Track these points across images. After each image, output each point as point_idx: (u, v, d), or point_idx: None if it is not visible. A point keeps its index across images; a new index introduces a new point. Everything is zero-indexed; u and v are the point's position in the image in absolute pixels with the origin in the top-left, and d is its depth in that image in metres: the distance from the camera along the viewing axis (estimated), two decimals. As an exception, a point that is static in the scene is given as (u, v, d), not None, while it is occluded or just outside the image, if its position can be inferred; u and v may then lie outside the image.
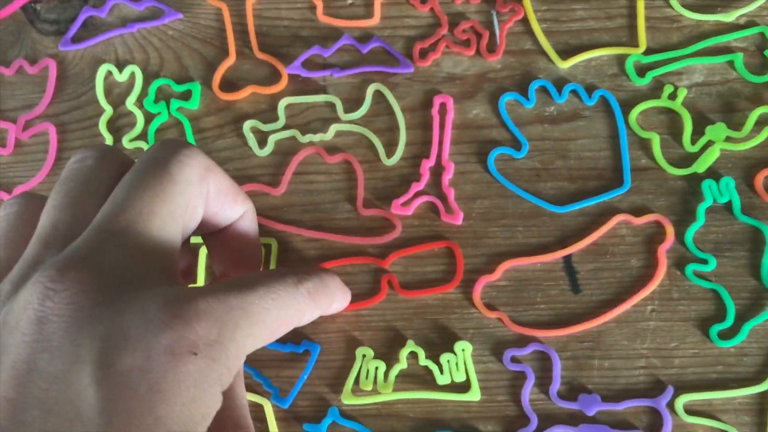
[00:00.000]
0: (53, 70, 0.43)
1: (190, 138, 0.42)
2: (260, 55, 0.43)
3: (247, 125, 0.42)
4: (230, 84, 0.43)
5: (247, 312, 0.25)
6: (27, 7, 0.45)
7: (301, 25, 0.43)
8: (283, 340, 0.39)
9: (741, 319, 0.38)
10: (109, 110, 0.43)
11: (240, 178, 0.41)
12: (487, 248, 0.40)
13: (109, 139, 0.42)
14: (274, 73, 0.43)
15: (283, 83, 0.42)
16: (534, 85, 0.41)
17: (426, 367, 0.38)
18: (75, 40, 0.44)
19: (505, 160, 0.41)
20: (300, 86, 0.42)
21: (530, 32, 0.42)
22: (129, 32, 0.44)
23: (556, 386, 0.38)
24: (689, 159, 0.40)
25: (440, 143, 0.41)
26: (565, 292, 0.39)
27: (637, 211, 0.39)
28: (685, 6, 0.42)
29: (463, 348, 0.38)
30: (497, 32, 0.42)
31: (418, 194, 0.40)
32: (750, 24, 0.41)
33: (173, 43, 0.44)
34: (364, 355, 0.38)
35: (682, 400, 0.37)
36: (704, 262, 0.38)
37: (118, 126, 0.43)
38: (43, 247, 0.25)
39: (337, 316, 0.39)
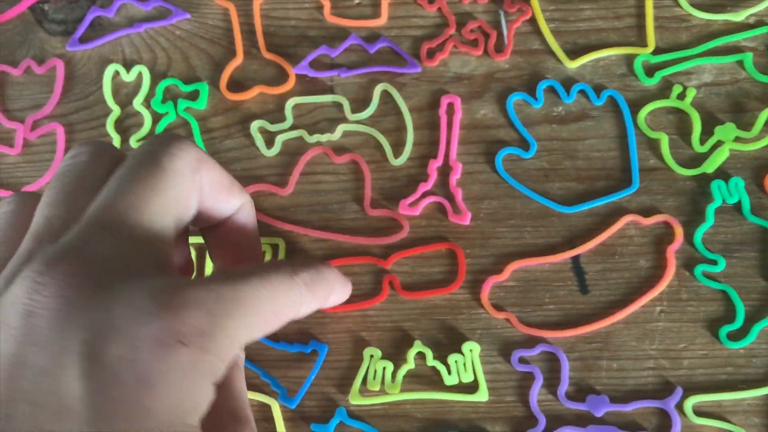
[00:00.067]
0: (61, 70, 0.43)
1: (198, 138, 0.42)
2: (267, 55, 0.43)
3: (255, 125, 0.42)
4: (238, 84, 0.43)
5: (239, 302, 0.25)
6: (35, 7, 0.45)
7: (308, 25, 0.43)
8: (290, 341, 0.39)
9: (750, 320, 0.38)
10: (116, 110, 0.43)
11: (247, 178, 0.41)
12: (495, 249, 0.39)
13: (116, 140, 0.42)
14: (282, 73, 0.43)
15: (291, 83, 0.42)
16: (542, 85, 0.41)
17: (434, 368, 0.38)
18: (82, 40, 0.44)
19: (513, 161, 0.41)
20: (307, 86, 0.42)
21: (538, 32, 0.42)
22: (136, 32, 0.44)
23: (564, 387, 0.37)
24: (698, 159, 0.40)
25: (448, 143, 0.41)
26: (574, 293, 0.39)
27: (646, 212, 0.39)
28: (694, 5, 0.42)
29: (471, 348, 0.38)
30: (505, 32, 0.42)
31: (425, 194, 0.40)
32: (759, 23, 0.41)
33: (181, 43, 0.44)
34: (371, 356, 0.38)
35: (691, 402, 0.37)
36: (713, 262, 0.38)
37: (125, 126, 0.43)
38: (37, 242, 0.25)
39: (345, 317, 0.39)
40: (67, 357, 0.22)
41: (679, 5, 0.42)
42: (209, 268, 0.40)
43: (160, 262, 0.26)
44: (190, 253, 0.34)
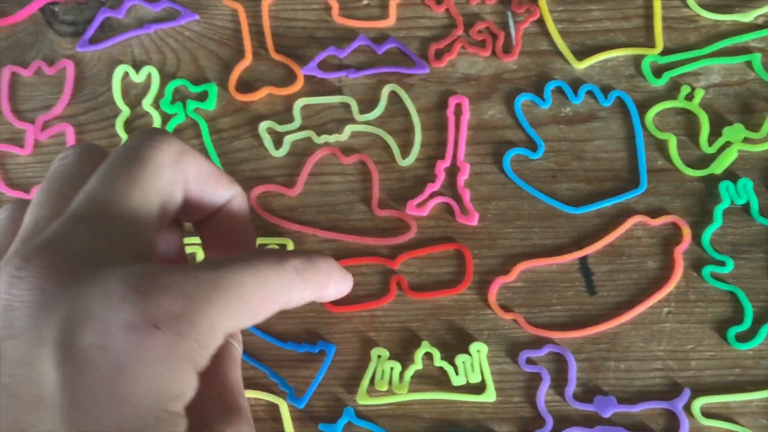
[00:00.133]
0: (71, 71, 0.44)
1: (207, 139, 0.42)
2: (276, 56, 0.43)
3: (263, 126, 0.42)
4: (246, 85, 0.43)
5: (219, 286, 0.24)
6: (45, 8, 0.45)
7: (316, 26, 0.43)
8: (298, 341, 0.39)
9: (759, 321, 0.37)
10: (126, 111, 0.43)
11: (256, 178, 0.41)
12: (503, 249, 0.40)
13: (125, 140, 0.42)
14: (290, 74, 0.43)
15: (299, 84, 0.42)
16: (550, 86, 0.41)
17: (441, 368, 0.38)
18: (92, 41, 0.44)
19: (520, 161, 0.41)
20: (315, 87, 0.42)
21: (546, 33, 0.42)
22: (146, 33, 0.44)
23: (571, 388, 0.37)
24: (706, 160, 0.40)
25: (455, 144, 0.41)
26: (581, 294, 0.39)
27: (654, 213, 0.39)
28: (702, 6, 0.41)
29: (479, 349, 0.38)
30: (513, 33, 0.42)
31: (433, 195, 0.40)
32: (768, 24, 0.41)
33: (190, 44, 0.44)
34: (379, 356, 0.38)
35: (698, 403, 0.37)
36: (721, 263, 0.38)
37: (134, 127, 0.43)
38: (23, 243, 0.26)
39: (353, 317, 0.39)
40: (43, 347, 0.22)
41: (687, 6, 0.42)
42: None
43: (140, 252, 0.26)
44: (183, 248, 0.34)
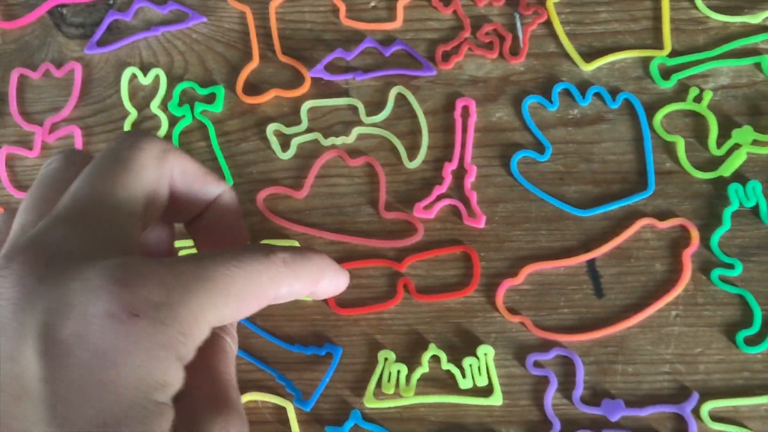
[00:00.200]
0: (79, 73, 0.44)
1: (214, 141, 0.42)
2: (283, 59, 0.43)
3: (270, 128, 0.42)
4: (253, 87, 0.43)
5: (202, 277, 0.25)
6: (53, 11, 0.45)
7: (323, 29, 0.44)
8: (305, 343, 0.39)
9: (768, 324, 0.37)
10: (133, 113, 0.43)
11: (263, 181, 0.41)
12: (510, 252, 0.39)
13: (133, 142, 0.42)
14: (297, 77, 0.43)
15: (306, 86, 0.42)
16: (557, 88, 0.41)
17: (448, 371, 0.38)
18: (100, 43, 0.44)
19: (528, 164, 0.40)
20: (322, 89, 0.42)
21: (554, 35, 0.42)
22: (153, 36, 0.44)
23: (579, 391, 0.37)
24: (715, 162, 0.39)
25: (463, 146, 0.41)
26: (589, 297, 0.39)
27: (662, 215, 0.39)
28: (711, 7, 0.41)
29: (486, 352, 0.38)
30: (520, 35, 0.42)
31: (440, 197, 0.40)
32: (777, 26, 0.41)
33: (197, 46, 0.44)
34: (386, 359, 0.38)
35: (707, 407, 0.36)
36: (730, 266, 0.38)
37: (142, 129, 0.43)
38: (9, 246, 0.26)
39: (360, 320, 0.39)
40: (25, 340, 0.23)
41: (695, 7, 0.41)
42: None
43: (123, 249, 0.26)
44: (173, 249, 0.34)
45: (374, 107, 0.42)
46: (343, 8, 0.43)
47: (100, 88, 0.44)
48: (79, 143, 0.43)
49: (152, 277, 0.24)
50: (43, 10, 0.45)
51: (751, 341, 0.37)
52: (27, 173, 0.43)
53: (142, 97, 0.43)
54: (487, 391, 0.38)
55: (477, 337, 0.39)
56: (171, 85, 0.43)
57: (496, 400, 0.38)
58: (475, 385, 0.38)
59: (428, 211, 0.40)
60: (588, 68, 0.41)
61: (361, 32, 0.43)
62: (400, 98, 0.42)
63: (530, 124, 0.41)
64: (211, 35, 0.44)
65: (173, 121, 0.43)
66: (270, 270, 0.27)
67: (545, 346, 0.38)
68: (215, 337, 0.28)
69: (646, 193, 0.39)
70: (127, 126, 0.43)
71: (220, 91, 0.43)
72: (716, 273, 0.38)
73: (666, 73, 0.41)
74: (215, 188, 0.32)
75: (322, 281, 0.30)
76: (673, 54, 0.41)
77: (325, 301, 0.39)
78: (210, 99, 0.43)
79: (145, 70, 0.43)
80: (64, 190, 0.27)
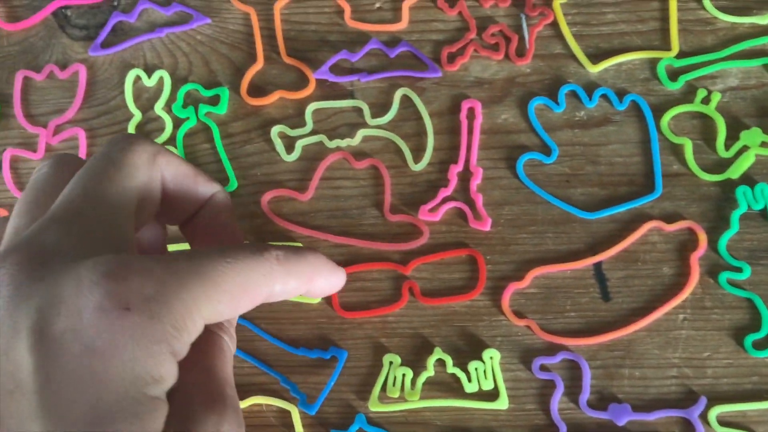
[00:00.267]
0: (83, 75, 0.44)
1: (218, 143, 0.42)
2: (288, 60, 0.43)
3: (275, 130, 0.42)
4: (258, 89, 0.43)
5: (193, 272, 0.25)
6: (58, 12, 0.45)
7: (328, 30, 0.43)
8: (310, 346, 0.39)
9: (776, 328, 0.37)
10: (138, 115, 0.43)
11: (267, 183, 0.41)
12: (516, 255, 0.39)
13: (137, 144, 0.42)
14: (302, 78, 0.43)
15: (311, 88, 0.42)
16: (564, 90, 0.41)
17: (453, 375, 0.38)
18: (104, 45, 0.44)
19: (534, 166, 0.40)
20: (327, 91, 0.42)
21: (560, 36, 0.42)
22: (158, 37, 0.44)
23: (585, 395, 0.37)
24: (723, 165, 0.39)
25: (468, 148, 0.40)
26: (595, 300, 0.38)
27: (669, 218, 0.39)
28: (719, 8, 0.41)
29: (492, 356, 0.38)
30: (526, 36, 0.42)
31: (445, 200, 0.40)
32: (786, 26, 0.41)
33: (201, 47, 0.44)
34: (391, 362, 0.38)
35: (715, 412, 0.36)
36: (738, 270, 0.38)
37: (146, 131, 0.43)
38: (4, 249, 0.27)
39: (364, 323, 0.39)
40: (18, 336, 0.23)
41: (703, 8, 0.41)
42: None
43: (117, 247, 0.26)
44: (165, 246, 0.34)
45: (379, 109, 0.42)
46: (348, 9, 0.43)
47: (104, 89, 0.44)
48: (83, 145, 0.42)
49: (144, 272, 0.24)
50: (48, 12, 0.45)
51: (760, 345, 0.37)
52: (31, 175, 0.43)
53: (146, 99, 0.43)
54: (492, 395, 0.38)
55: (483, 341, 0.38)
56: (175, 87, 0.43)
57: (502, 404, 0.37)
58: (480, 389, 0.38)
59: (433, 213, 0.40)
60: (595, 70, 0.41)
61: (366, 33, 0.43)
62: (406, 100, 0.42)
63: (536, 126, 0.41)
64: (216, 37, 0.44)
65: (177, 122, 0.43)
66: (263, 267, 0.27)
67: (551, 349, 0.38)
68: (212, 335, 0.28)
69: (654, 196, 0.39)
70: (131, 128, 0.43)
71: (225, 92, 0.43)
72: (724, 276, 0.38)
73: (673, 75, 0.40)
74: (207, 188, 0.32)
75: (318, 279, 0.30)
76: (681, 55, 0.41)
77: (330, 304, 0.39)
78: (214, 101, 0.43)
79: (149, 71, 0.43)
80: (56, 193, 0.28)
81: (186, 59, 0.44)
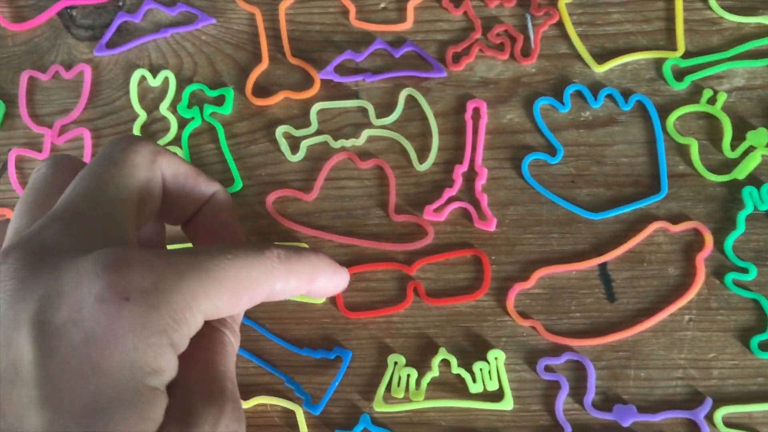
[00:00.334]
0: (88, 75, 0.44)
1: (223, 143, 0.42)
2: (293, 60, 0.43)
3: (280, 130, 0.42)
4: (263, 89, 0.43)
5: (195, 267, 0.25)
6: (63, 12, 0.45)
7: (333, 30, 0.43)
8: (314, 347, 0.39)
9: (782, 329, 0.37)
10: (143, 115, 0.43)
11: (272, 183, 0.41)
12: (521, 255, 0.39)
13: (142, 144, 0.42)
14: (307, 78, 0.43)
15: (316, 88, 0.42)
16: (569, 90, 0.41)
17: (458, 375, 0.38)
18: (109, 45, 0.44)
19: (539, 166, 0.40)
20: (332, 91, 0.42)
21: (565, 36, 0.42)
22: (163, 37, 0.44)
23: (590, 396, 0.37)
24: (729, 165, 0.39)
25: (473, 148, 0.40)
26: (601, 301, 0.38)
27: (675, 219, 0.39)
28: (725, 8, 0.41)
29: (496, 356, 0.38)
30: (532, 36, 0.41)
31: (450, 200, 0.40)
32: (793, 26, 0.40)
33: (206, 48, 0.44)
34: (395, 362, 0.38)
35: (721, 413, 0.36)
36: (744, 270, 0.38)
37: (151, 131, 0.43)
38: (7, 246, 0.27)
39: (369, 323, 0.39)
40: (20, 328, 0.23)
41: (709, 8, 0.41)
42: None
43: (116, 244, 0.26)
44: (164, 246, 0.35)
45: (384, 109, 0.42)
46: (353, 9, 0.43)
47: (109, 90, 0.44)
48: (88, 145, 0.43)
49: (144, 264, 0.24)
50: (53, 12, 0.45)
51: (766, 346, 0.37)
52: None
53: (151, 99, 0.43)
54: (497, 395, 0.38)
55: (487, 341, 0.38)
56: (180, 87, 0.43)
57: (507, 404, 0.37)
58: (485, 389, 0.38)
59: (438, 213, 0.40)
60: (600, 70, 0.41)
61: (371, 33, 0.43)
62: (411, 100, 0.42)
63: (542, 126, 0.40)
64: (221, 37, 0.44)
65: (182, 123, 0.43)
66: (264, 264, 0.27)
67: (556, 350, 0.38)
68: (214, 331, 0.29)
69: (659, 196, 0.39)
70: (136, 128, 0.43)
71: (230, 93, 0.43)
72: (730, 277, 0.37)
73: (679, 75, 0.40)
74: (208, 187, 0.32)
75: (319, 279, 0.31)
76: (687, 55, 0.41)
77: (335, 304, 0.39)
78: (219, 101, 0.43)
79: (154, 72, 0.43)
80: (55, 193, 0.28)
81: (191, 59, 0.44)
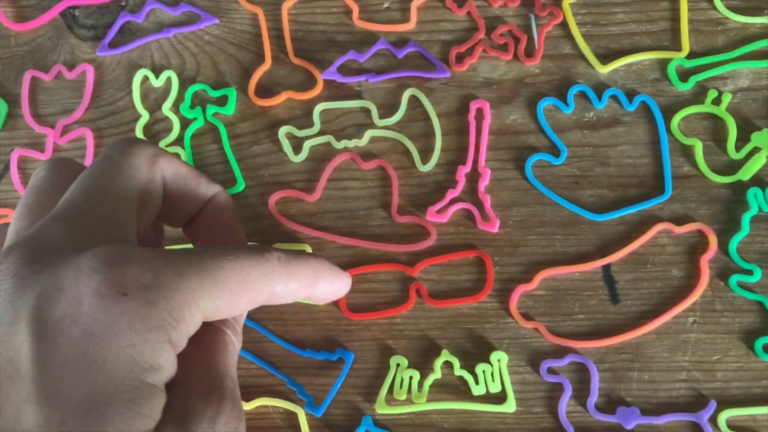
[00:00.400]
0: (91, 75, 0.44)
1: (226, 143, 0.42)
2: (296, 61, 0.43)
3: (282, 131, 0.41)
4: (266, 89, 0.43)
5: (195, 266, 0.25)
6: (66, 12, 0.45)
7: (336, 30, 0.43)
8: (317, 348, 0.39)
9: (787, 332, 0.37)
10: (145, 115, 0.43)
11: (275, 184, 0.41)
12: (524, 257, 0.39)
13: (145, 145, 0.42)
14: (310, 79, 0.42)
15: (319, 89, 0.42)
16: (573, 90, 0.40)
17: (461, 377, 0.38)
18: (112, 45, 0.44)
19: (543, 167, 0.40)
20: (335, 92, 0.42)
21: (569, 36, 0.41)
22: (165, 37, 0.44)
23: (593, 398, 0.37)
24: (734, 166, 0.39)
25: (477, 149, 0.40)
26: (604, 303, 0.38)
27: (679, 220, 0.38)
28: (730, 8, 0.41)
29: (499, 358, 0.38)
30: (535, 36, 0.41)
31: (453, 201, 0.40)
32: (798, 27, 0.40)
33: (209, 48, 0.44)
34: (398, 364, 0.38)
35: (725, 415, 0.36)
36: (749, 272, 0.37)
37: (154, 131, 0.43)
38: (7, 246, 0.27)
39: (371, 324, 0.39)
40: (19, 324, 0.23)
41: (714, 8, 0.41)
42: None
43: (117, 242, 0.27)
44: (162, 246, 0.35)
45: (387, 109, 0.42)
46: (356, 9, 0.43)
47: (111, 90, 0.44)
48: (90, 145, 0.42)
49: (143, 261, 0.24)
50: (56, 12, 0.45)
51: (770, 349, 0.37)
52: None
53: (153, 99, 0.43)
54: (500, 397, 0.37)
55: (490, 343, 0.38)
56: (183, 87, 0.43)
57: (510, 407, 0.37)
58: (488, 391, 0.37)
59: (441, 214, 0.39)
60: (604, 70, 0.41)
61: (374, 34, 0.43)
62: (414, 100, 0.42)
63: (545, 127, 0.40)
64: (223, 37, 0.44)
65: (185, 123, 0.43)
66: (264, 267, 0.27)
67: (559, 352, 0.38)
68: (216, 331, 0.29)
69: (663, 198, 0.39)
70: (138, 128, 0.43)
71: (232, 93, 0.42)
72: (735, 279, 0.37)
73: (684, 75, 0.40)
74: (208, 189, 0.33)
75: (320, 283, 0.31)
76: (692, 55, 0.40)
77: (337, 305, 0.39)
78: (222, 101, 0.43)
79: (156, 72, 0.43)
80: (55, 195, 0.28)
81: (194, 59, 0.44)
